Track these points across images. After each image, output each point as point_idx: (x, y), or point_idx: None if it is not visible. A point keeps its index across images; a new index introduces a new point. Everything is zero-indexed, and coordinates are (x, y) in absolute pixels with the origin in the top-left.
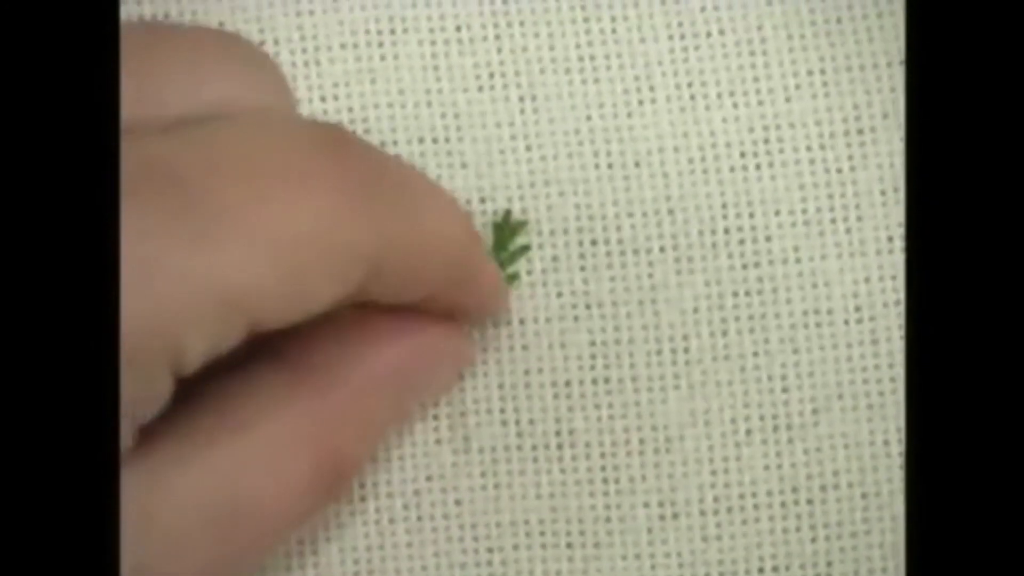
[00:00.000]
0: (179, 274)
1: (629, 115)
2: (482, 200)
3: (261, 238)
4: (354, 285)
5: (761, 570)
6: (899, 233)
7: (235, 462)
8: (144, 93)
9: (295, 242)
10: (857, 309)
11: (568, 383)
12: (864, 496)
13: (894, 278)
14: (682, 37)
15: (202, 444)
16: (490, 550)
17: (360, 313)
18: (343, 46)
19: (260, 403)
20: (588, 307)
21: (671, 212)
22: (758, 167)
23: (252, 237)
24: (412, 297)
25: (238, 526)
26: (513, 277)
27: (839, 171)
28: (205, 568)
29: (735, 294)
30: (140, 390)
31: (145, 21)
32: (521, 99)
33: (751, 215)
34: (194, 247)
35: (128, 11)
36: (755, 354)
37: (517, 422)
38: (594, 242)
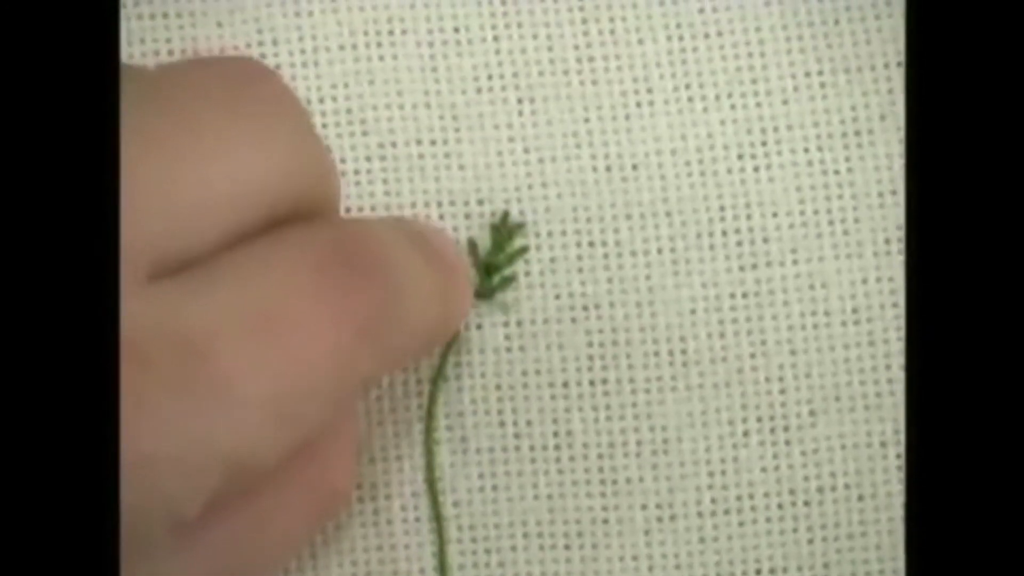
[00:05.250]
0: (180, 444)
1: (627, 117)
2: (480, 202)
3: (265, 399)
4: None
5: (759, 571)
6: (896, 235)
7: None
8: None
9: (297, 395)
10: (854, 311)
11: (566, 384)
12: (861, 498)
13: (891, 280)
14: (680, 39)
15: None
16: (488, 551)
17: None
18: (341, 47)
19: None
20: (586, 309)
21: (668, 214)
22: (756, 169)
23: (256, 400)
24: None
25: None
26: (510, 279)
27: (836, 173)
28: None
29: (732, 296)
30: (141, 547)
31: (172, 94)
32: (519, 101)
33: (748, 217)
34: (196, 417)
35: (127, 12)
36: (752, 356)
37: (515, 423)
38: (592, 244)
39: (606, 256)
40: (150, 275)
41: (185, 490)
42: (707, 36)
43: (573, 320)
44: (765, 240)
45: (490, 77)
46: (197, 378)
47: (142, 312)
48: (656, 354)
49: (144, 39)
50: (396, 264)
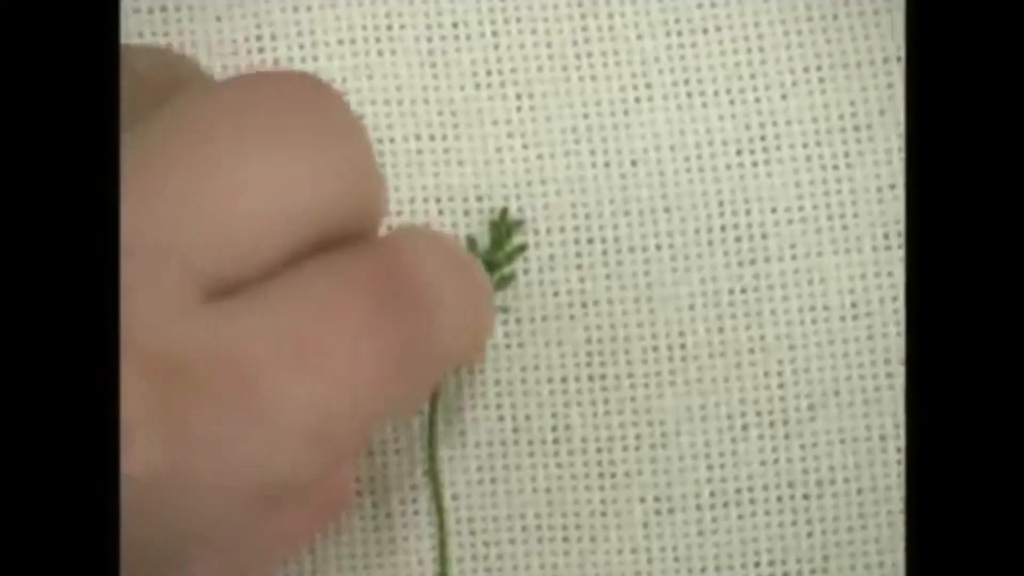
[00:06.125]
0: (224, 468)
1: (626, 113)
2: (479, 198)
3: (306, 426)
4: None
5: (757, 564)
6: (895, 229)
7: None
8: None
9: (336, 422)
10: (853, 305)
11: (564, 379)
12: (860, 491)
13: (890, 274)
14: (679, 34)
15: None
16: (486, 544)
17: None
18: (340, 42)
19: None
20: (584, 305)
21: (667, 210)
22: (754, 164)
23: (297, 427)
24: None
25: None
26: (510, 277)
27: (835, 168)
28: None
29: (731, 291)
30: (169, 565)
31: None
32: (518, 96)
33: (747, 212)
34: (239, 442)
35: (125, 6)
36: (751, 350)
37: (514, 417)
38: (590, 240)
39: (605, 252)
40: (203, 298)
41: (222, 514)
42: (706, 31)
43: (572, 316)
44: (764, 235)
45: (489, 73)
46: (242, 404)
47: (193, 335)
48: (655, 349)
49: (143, 33)
50: (438, 293)
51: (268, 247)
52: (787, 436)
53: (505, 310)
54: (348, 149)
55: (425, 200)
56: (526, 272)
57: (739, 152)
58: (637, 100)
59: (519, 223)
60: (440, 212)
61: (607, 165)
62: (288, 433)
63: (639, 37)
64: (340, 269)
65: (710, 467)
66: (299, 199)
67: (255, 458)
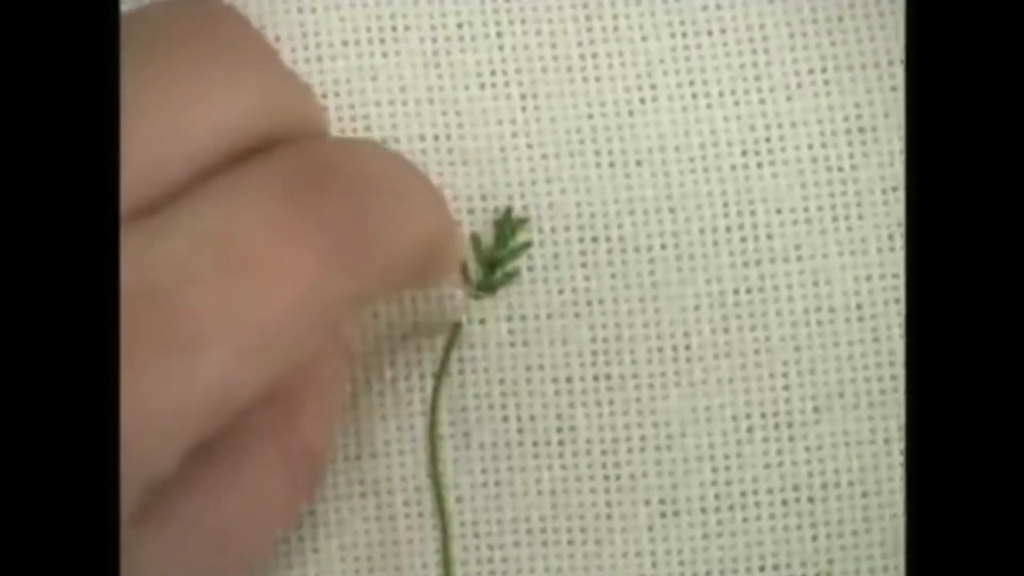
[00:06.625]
0: (158, 395)
1: (630, 113)
2: (483, 197)
3: (236, 339)
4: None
5: (762, 568)
6: (900, 231)
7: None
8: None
9: (276, 330)
10: (858, 307)
11: (569, 379)
12: (865, 494)
13: (895, 276)
14: (684, 35)
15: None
16: (491, 547)
17: None
18: (344, 43)
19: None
20: (589, 304)
21: (672, 210)
22: (759, 165)
23: (226, 341)
24: None
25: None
26: (514, 274)
27: (840, 169)
28: None
29: (736, 292)
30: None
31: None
32: (522, 97)
33: (752, 213)
34: (170, 364)
35: (127, 9)
36: (756, 352)
37: (518, 418)
38: (595, 239)
39: (609, 252)
40: (124, 221)
41: (165, 442)
42: (710, 33)
43: (576, 315)
44: (769, 236)
45: (493, 73)
46: (167, 324)
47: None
48: (660, 350)
49: None
50: (370, 180)
51: (184, 168)
52: (792, 438)
53: (509, 307)
54: (256, 64)
55: None
56: (530, 270)
57: (744, 153)
58: (642, 101)
59: (523, 221)
60: None
61: (612, 165)
62: (217, 348)
63: (644, 38)
64: (255, 172)
65: (715, 469)
66: (211, 117)
67: (188, 378)
